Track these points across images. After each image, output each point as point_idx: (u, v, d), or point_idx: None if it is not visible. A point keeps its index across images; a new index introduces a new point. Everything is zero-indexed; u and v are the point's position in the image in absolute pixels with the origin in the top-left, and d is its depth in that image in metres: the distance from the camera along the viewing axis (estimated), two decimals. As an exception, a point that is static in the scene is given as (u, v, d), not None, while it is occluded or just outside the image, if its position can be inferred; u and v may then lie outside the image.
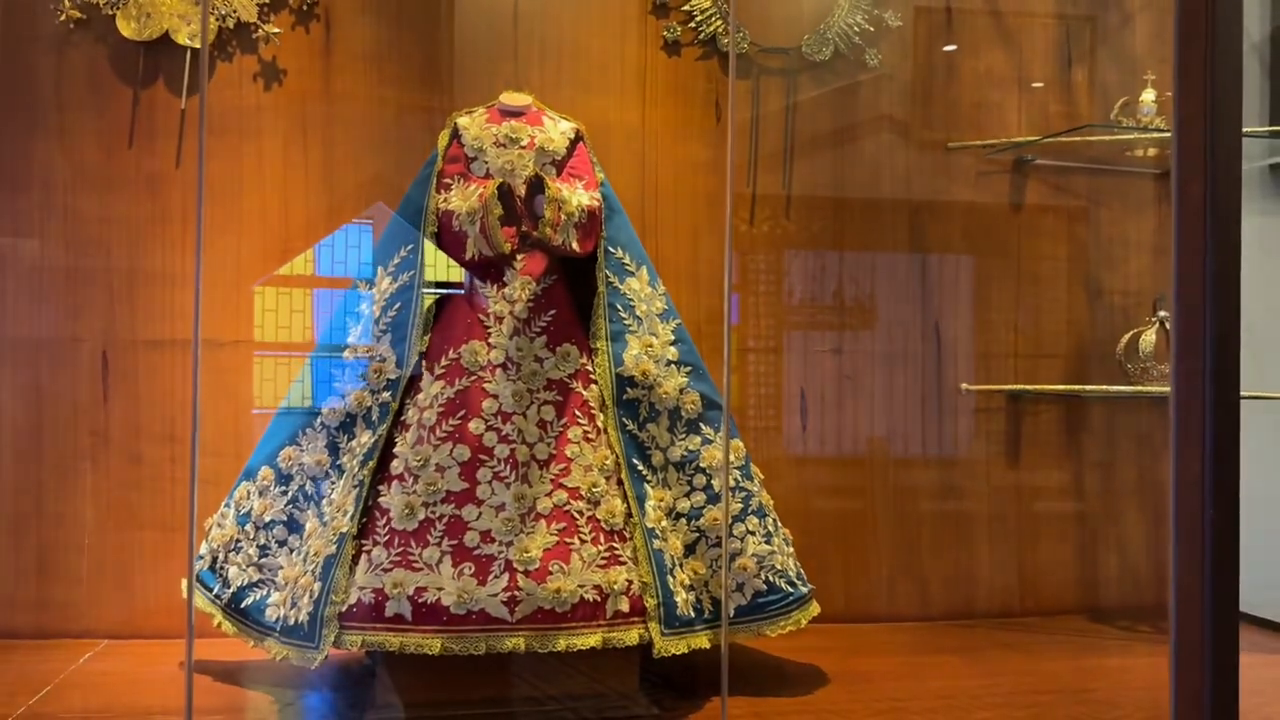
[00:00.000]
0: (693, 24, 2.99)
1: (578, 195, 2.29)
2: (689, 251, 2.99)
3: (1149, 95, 2.99)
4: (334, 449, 2.31)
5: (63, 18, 2.72)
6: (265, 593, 2.27)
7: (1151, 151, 3.10)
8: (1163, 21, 3.27)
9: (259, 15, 2.80)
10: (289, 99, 2.85)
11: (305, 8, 2.83)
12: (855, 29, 3.05)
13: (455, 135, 2.42)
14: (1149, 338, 2.97)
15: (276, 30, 2.81)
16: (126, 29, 2.75)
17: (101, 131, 2.79)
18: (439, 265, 2.31)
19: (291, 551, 2.27)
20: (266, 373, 2.74)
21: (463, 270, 2.31)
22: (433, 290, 2.31)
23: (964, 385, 3.08)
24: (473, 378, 2.21)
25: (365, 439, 2.25)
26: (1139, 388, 2.96)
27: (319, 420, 2.32)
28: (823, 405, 3.09)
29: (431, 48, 2.92)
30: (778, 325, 3.09)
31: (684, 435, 2.35)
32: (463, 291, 2.31)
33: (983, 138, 3.14)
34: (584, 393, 2.27)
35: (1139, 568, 3.27)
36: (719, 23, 2.99)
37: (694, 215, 3.01)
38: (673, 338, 2.40)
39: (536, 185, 2.24)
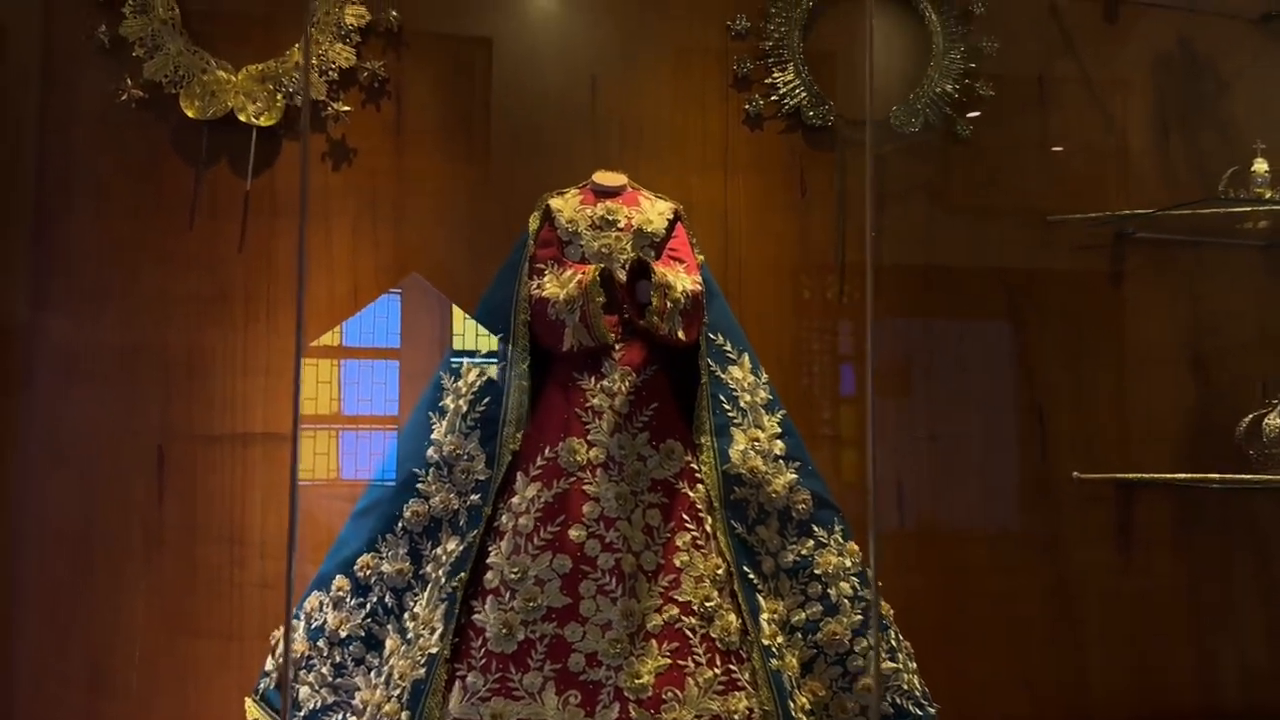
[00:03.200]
0: (775, 97, 2.86)
1: (682, 280, 2.13)
2: (774, 326, 2.82)
3: (1261, 166, 2.83)
4: (417, 557, 2.12)
5: (124, 96, 2.61)
6: (340, 717, 2.07)
7: (1263, 224, 2.93)
8: (1263, 89, 3.13)
9: (328, 93, 2.69)
10: (358, 178, 2.72)
11: (376, 85, 2.72)
12: (945, 99, 2.92)
13: (547, 217, 2.27)
14: (1274, 422, 2.76)
15: (346, 108, 2.69)
16: (190, 108, 2.63)
17: (161, 213, 2.65)
18: (532, 356, 2.14)
19: (370, 671, 2.06)
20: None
21: (558, 361, 2.14)
22: (525, 383, 2.13)
23: (1076, 473, 2.87)
24: (571, 479, 2.03)
25: (453, 547, 2.07)
26: (1268, 476, 2.74)
27: (400, 524, 2.14)
28: (919, 494, 2.89)
29: (506, 125, 2.79)
30: (866, 405, 2.90)
31: (795, 538, 2.15)
32: (558, 384, 2.14)
33: (1078, 208, 2.98)
34: (690, 493, 2.09)
35: (1262, 667, 3.02)
36: (803, 95, 2.86)
37: (779, 289, 2.85)
38: (779, 430, 2.22)
39: (640, 270, 2.08)
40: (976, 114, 2.94)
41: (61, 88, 2.64)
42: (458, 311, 2.44)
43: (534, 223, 2.29)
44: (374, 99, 2.73)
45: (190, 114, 2.62)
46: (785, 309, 2.85)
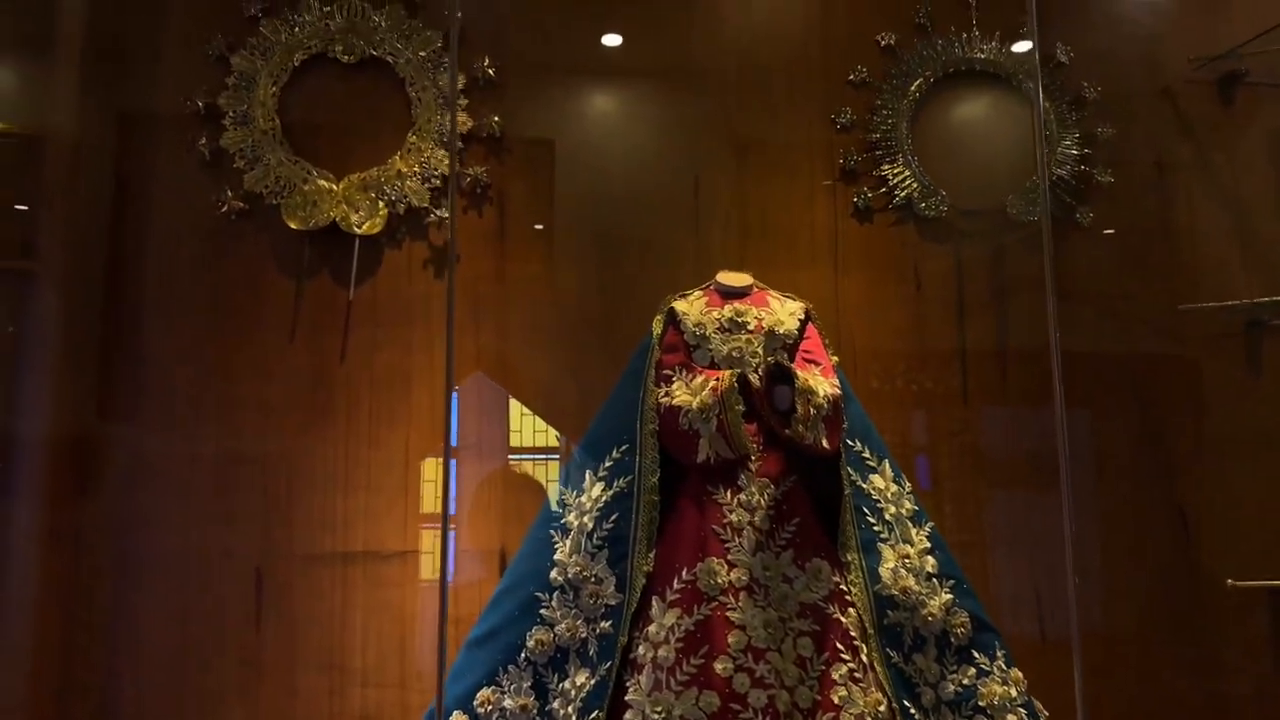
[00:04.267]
0: (885, 190, 2.76)
1: (822, 384, 2.00)
2: (894, 422, 2.66)
3: None
4: (542, 691, 1.95)
5: (225, 208, 2.57)
6: None
7: None
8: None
9: (431, 200, 2.63)
10: (461, 284, 2.64)
11: (478, 191, 2.66)
12: (1062, 186, 2.80)
13: (671, 321, 2.16)
14: None
15: (448, 215, 2.63)
16: (292, 219, 2.58)
17: (262, 324, 2.59)
18: (663, 469, 2.00)
19: (496, 820, 1.89)
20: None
21: (689, 474, 2.00)
22: (655, 498, 1.99)
23: (1231, 581, 2.64)
24: (713, 604, 1.87)
25: (583, 680, 1.90)
26: None
27: (523, 654, 1.98)
28: (1058, 602, 2.67)
29: (609, 228, 2.71)
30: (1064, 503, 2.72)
31: (955, 667, 1.96)
32: (690, 499, 1.99)
33: (1203, 294, 2.82)
34: (843, 619, 1.91)
35: None
36: (914, 186, 2.76)
37: (893, 382, 2.70)
38: (929, 544, 2.05)
39: (779, 374, 1.96)
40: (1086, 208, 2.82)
41: (163, 200, 2.62)
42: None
43: (657, 327, 2.18)
44: (476, 204, 2.68)
45: (292, 224, 2.58)
46: (905, 404, 2.70)
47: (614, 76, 2.79)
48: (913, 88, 2.80)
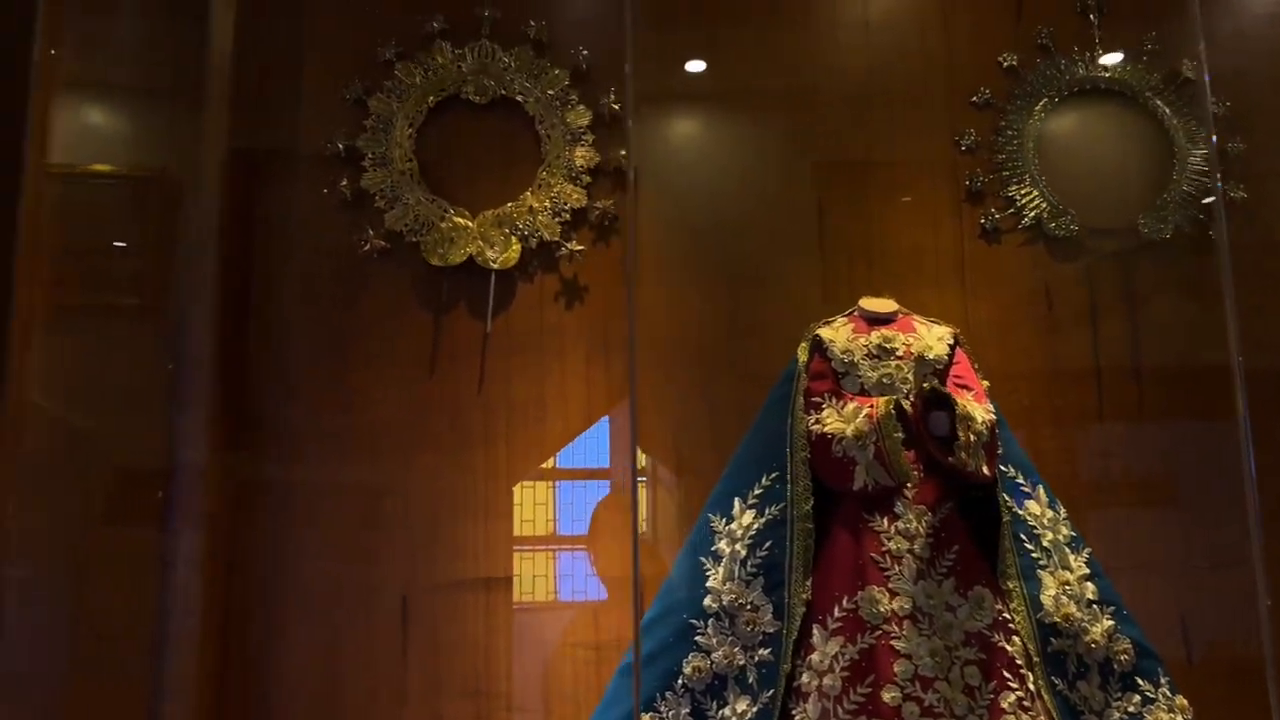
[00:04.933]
0: (1012, 210, 2.75)
1: (978, 409, 2.00)
2: (1029, 444, 2.62)
3: None
4: (701, 717, 1.97)
5: (367, 247, 2.67)
6: None
7: None
8: None
9: (561, 234, 2.70)
10: (590, 316, 2.70)
11: (606, 223, 2.72)
12: (1193, 203, 2.76)
13: (817, 348, 2.18)
14: None
15: (580, 247, 2.69)
16: (431, 256, 2.67)
17: (403, 358, 2.67)
18: (815, 496, 2.02)
19: (660, 847, 1.91)
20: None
21: (843, 501, 2.01)
22: (810, 525, 2.00)
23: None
24: (876, 633, 1.87)
25: (744, 707, 1.92)
26: None
27: (680, 681, 2.00)
28: (1205, 626, 2.61)
29: (734, 256, 2.75)
30: (1132, 525, 2.67)
31: (1120, 694, 1.94)
32: (845, 526, 2.00)
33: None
34: (1008, 647, 1.90)
35: None
36: (1043, 206, 2.74)
37: (1031, 405, 2.67)
38: (1088, 570, 2.03)
39: (935, 400, 1.96)
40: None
41: (305, 240, 2.72)
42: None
43: (803, 354, 2.20)
44: (604, 237, 2.73)
45: (432, 261, 2.66)
46: (1039, 425, 2.67)
47: (735, 104, 2.83)
48: (1037, 107, 2.79)
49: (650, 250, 2.74)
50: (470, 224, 2.69)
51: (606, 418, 2.69)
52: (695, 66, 2.84)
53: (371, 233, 2.67)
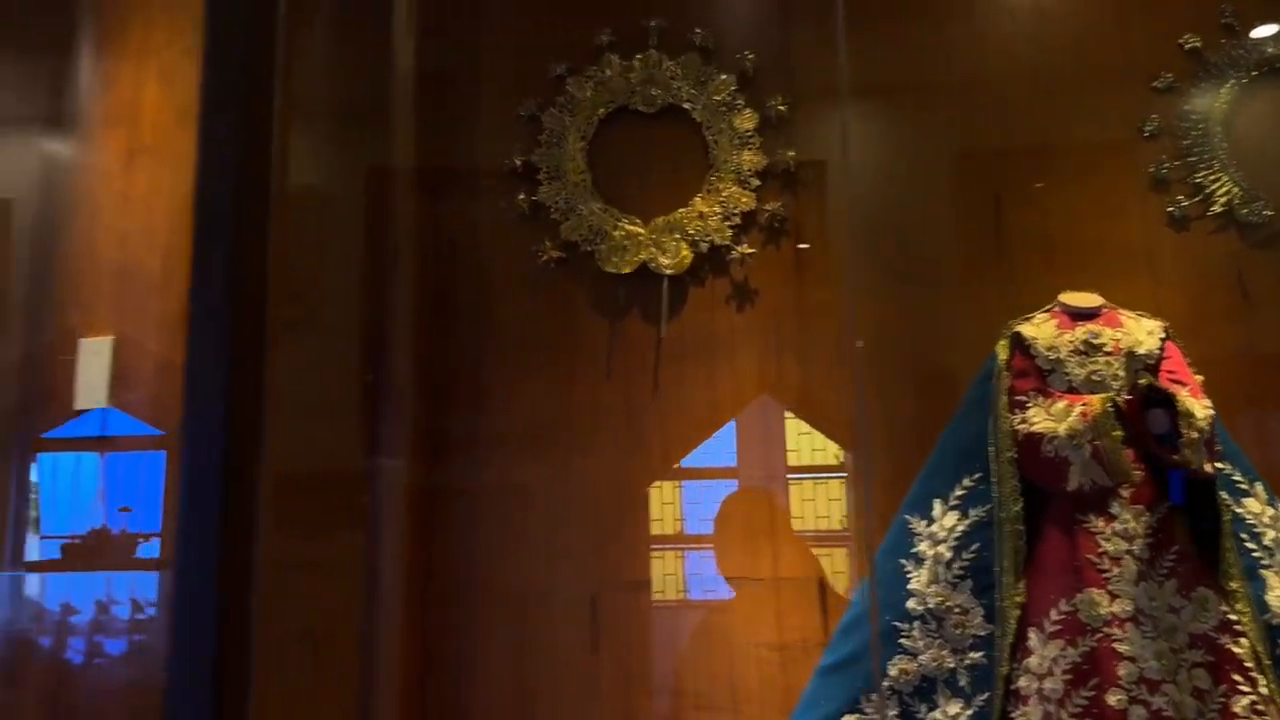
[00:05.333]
0: (1200, 197, 2.64)
1: (1196, 406, 1.94)
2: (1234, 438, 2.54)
3: None
4: (909, 719, 1.97)
5: (545, 258, 2.75)
6: None
7: None
8: None
9: (732, 237, 2.72)
10: (762, 318, 2.72)
11: (776, 225, 2.73)
12: (1402, 181, 2.61)
13: (1018, 345, 2.15)
14: None
15: (750, 250, 2.71)
16: (606, 264, 2.73)
17: (581, 364, 2.75)
18: (1026, 497, 1.99)
19: (876, 847, 1.91)
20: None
21: (1053, 501, 1.98)
22: (1020, 527, 1.98)
23: None
24: (1098, 635, 1.84)
25: (956, 710, 1.91)
26: None
27: (885, 683, 2.00)
28: None
29: (909, 254, 2.72)
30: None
31: (1354, 699, 1.84)
32: (1057, 527, 1.97)
33: None
34: (1235, 649, 1.84)
35: None
36: (1235, 192, 2.63)
37: (1227, 394, 2.57)
38: (1314, 569, 1.94)
39: (1154, 397, 1.91)
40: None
41: (486, 253, 2.82)
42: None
43: (1002, 352, 2.17)
44: (774, 239, 2.75)
45: (606, 269, 2.73)
46: (1239, 418, 2.56)
47: (903, 99, 2.80)
48: (1224, 90, 2.68)
49: (821, 251, 2.74)
50: (642, 231, 2.74)
51: (734, 420, 2.71)
52: (860, 65, 2.82)
53: (548, 243, 2.75)
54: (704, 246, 2.72)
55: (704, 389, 2.70)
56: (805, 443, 2.76)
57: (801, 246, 2.74)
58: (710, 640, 2.57)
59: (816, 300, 2.71)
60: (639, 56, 2.81)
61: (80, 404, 2.34)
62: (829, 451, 2.74)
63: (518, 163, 2.78)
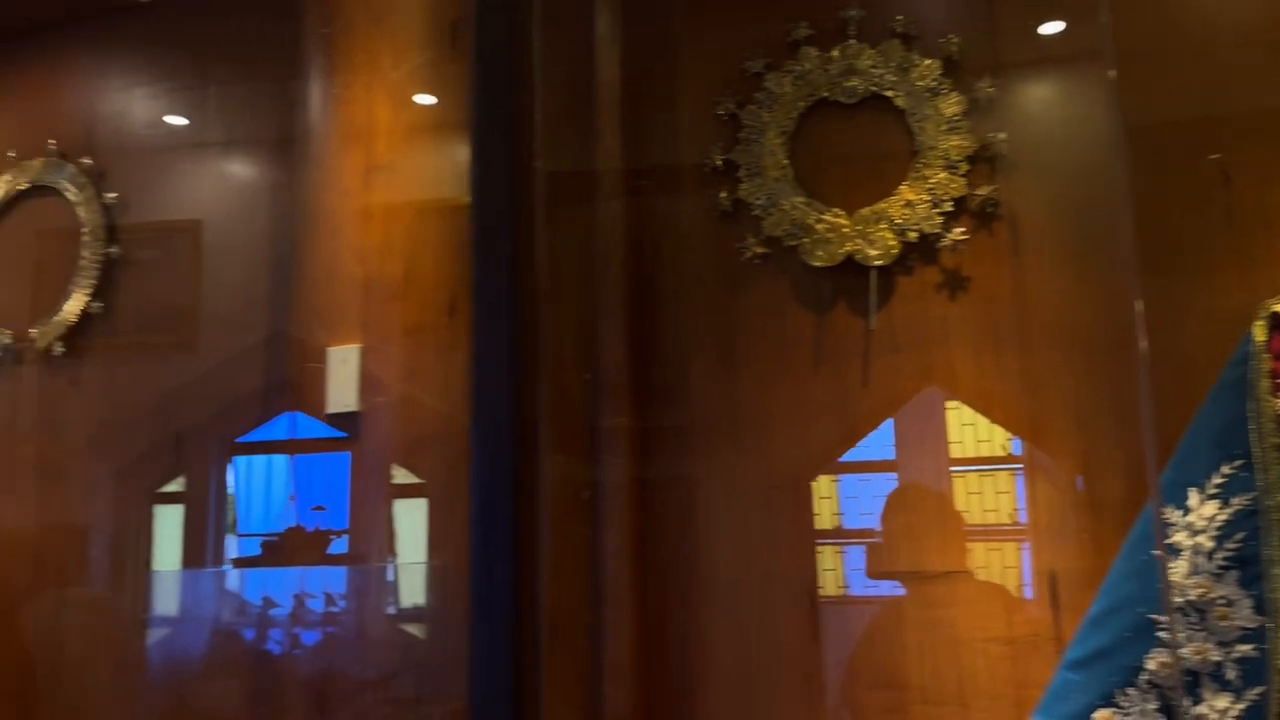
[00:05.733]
0: None
1: None
2: None
3: None
4: (1169, 713, 1.91)
5: (748, 254, 2.78)
6: None
7: None
8: None
9: (942, 225, 2.69)
10: (976, 306, 2.67)
11: (987, 210, 2.68)
12: None
13: (1276, 326, 2.05)
14: None
15: (963, 237, 2.67)
16: (811, 258, 2.74)
17: (786, 359, 2.76)
18: (1296, 485, 1.90)
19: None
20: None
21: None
22: (1288, 516, 1.89)
23: None
24: (1386, 627, 1.74)
25: (1225, 704, 1.84)
26: None
27: (1142, 677, 1.95)
28: None
29: (1125, 231, 2.63)
30: None
31: None
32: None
33: None
34: None
35: None
36: None
37: None
38: None
39: None
40: None
41: (686, 251, 2.87)
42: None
43: (1259, 333, 2.07)
44: (985, 224, 2.69)
45: (811, 262, 2.73)
46: None
47: (1121, 68, 2.70)
48: None
49: (1034, 235, 2.68)
50: (847, 223, 2.74)
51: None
52: (1068, 40, 2.74)
53: (751, 239, 2.78)
54: (912, 235, 2.69)
55: (918, 380, 2.67)
56: (969, 434, 2.72)
57: (1007, 231, 2.68)
58: (934, 634, 2.55)
59: (1034, 286, 2.64)
60: (837, 48, 2.81)
61: (331, 408, 2.50)
62: (995, 443, 2.69)
63: (718, 161, 2.82)
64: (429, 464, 2.51)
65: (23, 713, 3.13)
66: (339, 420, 2.49)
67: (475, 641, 1.45)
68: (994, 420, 2.64)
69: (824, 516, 2.77)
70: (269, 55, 2.90)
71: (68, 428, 3.24)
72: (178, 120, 3.25)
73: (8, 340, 3.34)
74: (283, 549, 3.22)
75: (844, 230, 2.73)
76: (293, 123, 2.76)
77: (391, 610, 2.96)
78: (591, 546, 2.58)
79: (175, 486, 3.39)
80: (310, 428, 3.21)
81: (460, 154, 2.60)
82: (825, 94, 2.80)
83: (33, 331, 3.30)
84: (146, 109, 3.31)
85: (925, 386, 2.67)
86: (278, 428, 3.25)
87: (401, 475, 2.82)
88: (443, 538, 2.73)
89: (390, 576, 2.95)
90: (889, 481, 2.75)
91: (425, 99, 2.56)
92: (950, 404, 2.70)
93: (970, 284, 2.68)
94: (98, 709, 3.20)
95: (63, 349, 3.26)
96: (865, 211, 2.73)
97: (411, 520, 2.89)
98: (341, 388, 2.43)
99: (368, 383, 2.45)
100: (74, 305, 3.25)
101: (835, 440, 2.71)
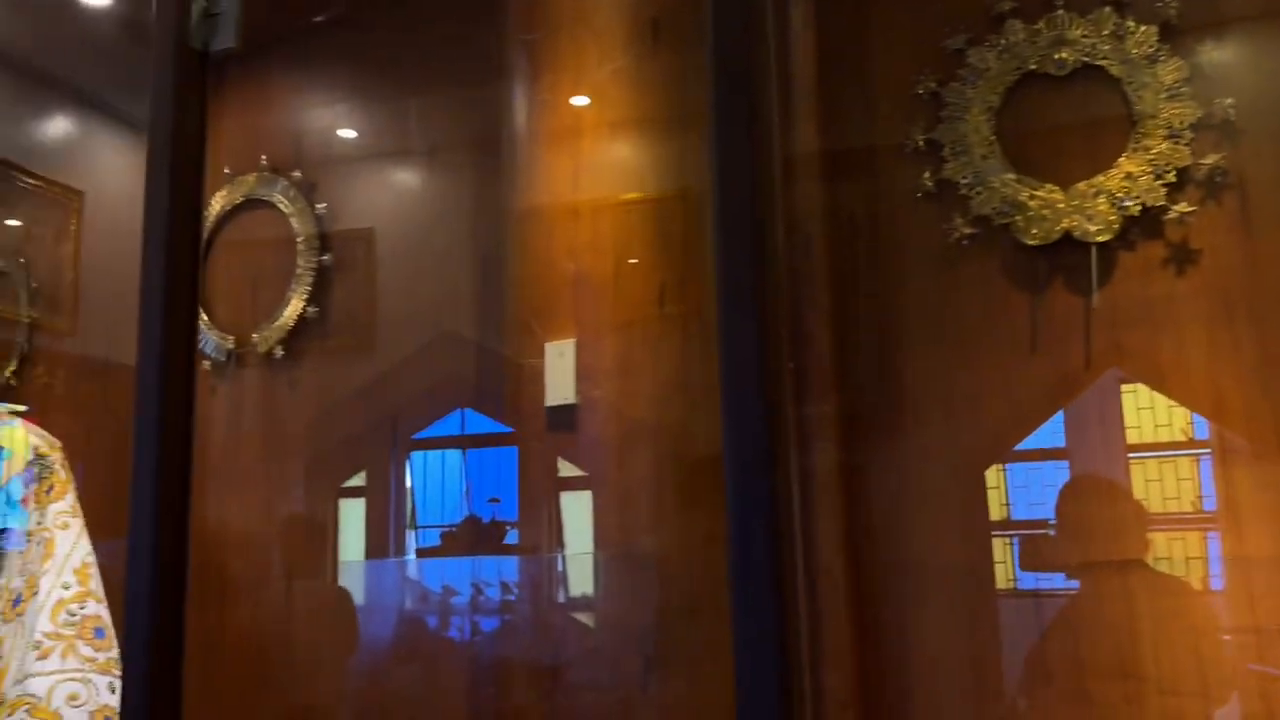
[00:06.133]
0: None
1: None
2: None
3: None
4: None
5: (956, 235, 2.72)
6: None
7: None
8: None
9: (1166, 196, 2.57)
10: (1206, 281, 2.55)
11: (1215, 180, 2.55)
12: None
13: None
14: None
15: (1189, 209, 2.55)
16: (1024, 235, 2.66)
17: (1002, 341, 2.70)
18: None
19: None
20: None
21: None
22: None
23: None
24: None
25: None
26: None
27: None
28: None
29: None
30: None
31: None
32: None
33: None
34: None
35: None
36: None
37: None
38: None
39: None
40: None
41: (894, 236, 2.83)
42: None
43: None
44: (1214, 195, 2.56)
45: (1025, 241, 2.66)
46: None
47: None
48: None
49: (1267, 204, 2.53)
50: (1062, 199, 2.65)
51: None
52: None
53: (959, 220, 2.72)
54: (1133, 209, 2.58)
55: (1144, 359, 2.56)
56: (1147, 418, 2.59)
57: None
58: (1172, 623, 2.44)
59: (1269, 258, 2.50)
60: (1043, 19, 2.72)
61: (550, 400, 2.58)
62: (1174, 427, 2.56)
63: (919, 141, 2.77)
64: (642, 454, 2.55)
65: (260, 684, 3.33)
66: (558, 412, 2.57)
67: (738, 634, 1.47)
68: (1218, 404, 2.50)
69: (992, 507, 2.71)
70: (469, 63, 3.00)
71: (288, 427, 3.44)
72: (380, 131, 3.41)
73: (230, 345, 3.56)
74: (460, 539, 3.34)
75: (1059, 206, 2.64)
76: (497, 127, 2.86)
77: (561, 599, 3.04)
78: (806, 535, 2.58)
79: (383, 480, 3.55)
80: (480, 424, 3.32)
81: (663, 149, 2.65)
82: (1033, 66, 2.72)
83: (254, 336, 3.51)
84: (350, 121, 3.48)
85: (1151, 367, 2.56)
86: (470, 422, 3.36)
87: (566, 468, 2.88)
88: (637, 527, 2.78)
89: (560, 567, 3.02)
90: (1059, 470, 2.66)
91: (627, 96, 2.61)
92: (1126, 387, 2.60)
93: (1200, 257, 2.56)
94: (311, 689, 3.39)
95: (282, 352, 3.46)
96: (1081, 186, 2.64)
97: (577, 511, 2.95)
98: (559, 381, 2.51)
99: (583, 375, 2.52)
100: (291, 311, 3.44)
101: (1055, 422, 2.63)
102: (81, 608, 2.71)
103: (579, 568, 3.05)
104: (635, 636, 2.45)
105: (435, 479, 3.61)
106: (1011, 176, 2.70)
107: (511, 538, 3.24)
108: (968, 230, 2.71)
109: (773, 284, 1.80)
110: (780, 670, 1.56)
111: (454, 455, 3.59)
